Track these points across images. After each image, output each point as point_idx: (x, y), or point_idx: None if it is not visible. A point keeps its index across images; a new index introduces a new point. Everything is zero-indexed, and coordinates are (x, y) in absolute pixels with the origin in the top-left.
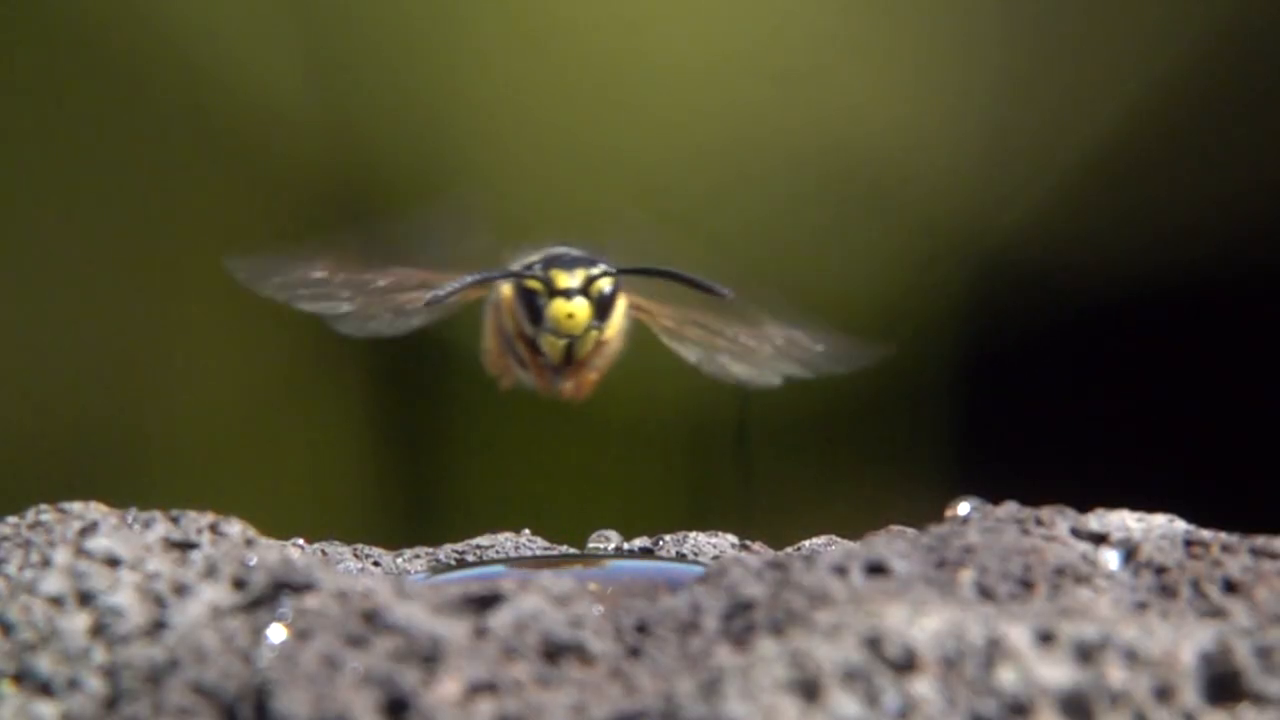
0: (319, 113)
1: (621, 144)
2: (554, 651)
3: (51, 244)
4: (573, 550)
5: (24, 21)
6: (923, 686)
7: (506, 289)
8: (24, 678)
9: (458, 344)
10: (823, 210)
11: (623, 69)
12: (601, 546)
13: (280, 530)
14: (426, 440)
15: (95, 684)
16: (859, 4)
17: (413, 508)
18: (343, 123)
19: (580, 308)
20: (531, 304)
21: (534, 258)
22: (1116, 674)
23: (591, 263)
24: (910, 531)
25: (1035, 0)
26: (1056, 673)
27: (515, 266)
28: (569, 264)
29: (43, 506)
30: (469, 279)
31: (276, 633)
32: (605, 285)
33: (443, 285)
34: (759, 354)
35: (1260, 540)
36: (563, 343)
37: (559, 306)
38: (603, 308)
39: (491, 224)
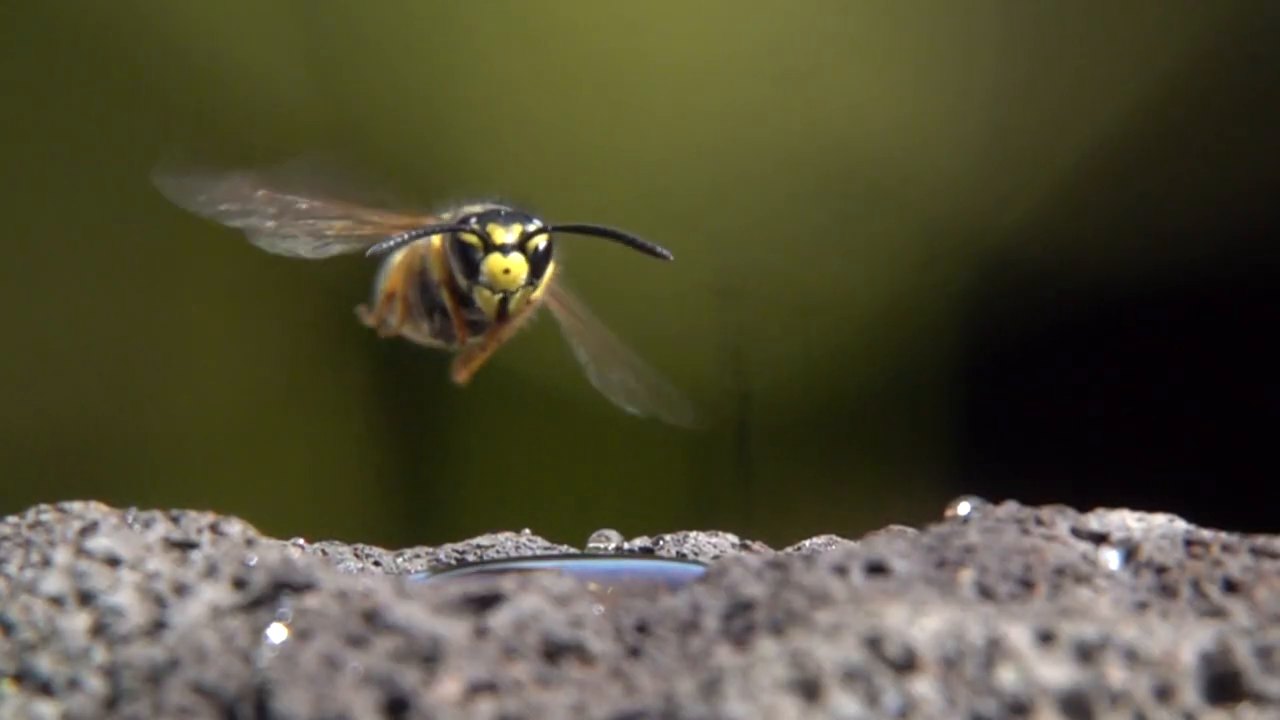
0: (320, 113)
1: (622, 144)
2: (554, 651)
3: (52, 244)
4: (573, 550)
5: (24, 21)
6: (923, 686)
7: (436, 240)
8: (24, 678)
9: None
10: (823, 210)
11: (623, 69)
12: (601, 546)
13: (280, 530)
14: (426, 440)
15: (95, 684)
16: (859, 4)
17: (413, 508)
18: (344, 123)
19: (516, 263)
20: (467, 258)
21: (468, 210)
22: (1116, 674)
23: (527, 218)
24: (910, 531)
25: (1035, 0)
26: (1056, 673)
27: (450, 219)
28: (506, 219)
29: (43, 506)
30: (410, 234)
31: (277, 633)
32: (541, 242)
33: (386, 239)
34: (630, 388)
35: (1260, 540)
36: (497, 297)
37: (496, 261)
38: (538, 264)
39: (363, 177)
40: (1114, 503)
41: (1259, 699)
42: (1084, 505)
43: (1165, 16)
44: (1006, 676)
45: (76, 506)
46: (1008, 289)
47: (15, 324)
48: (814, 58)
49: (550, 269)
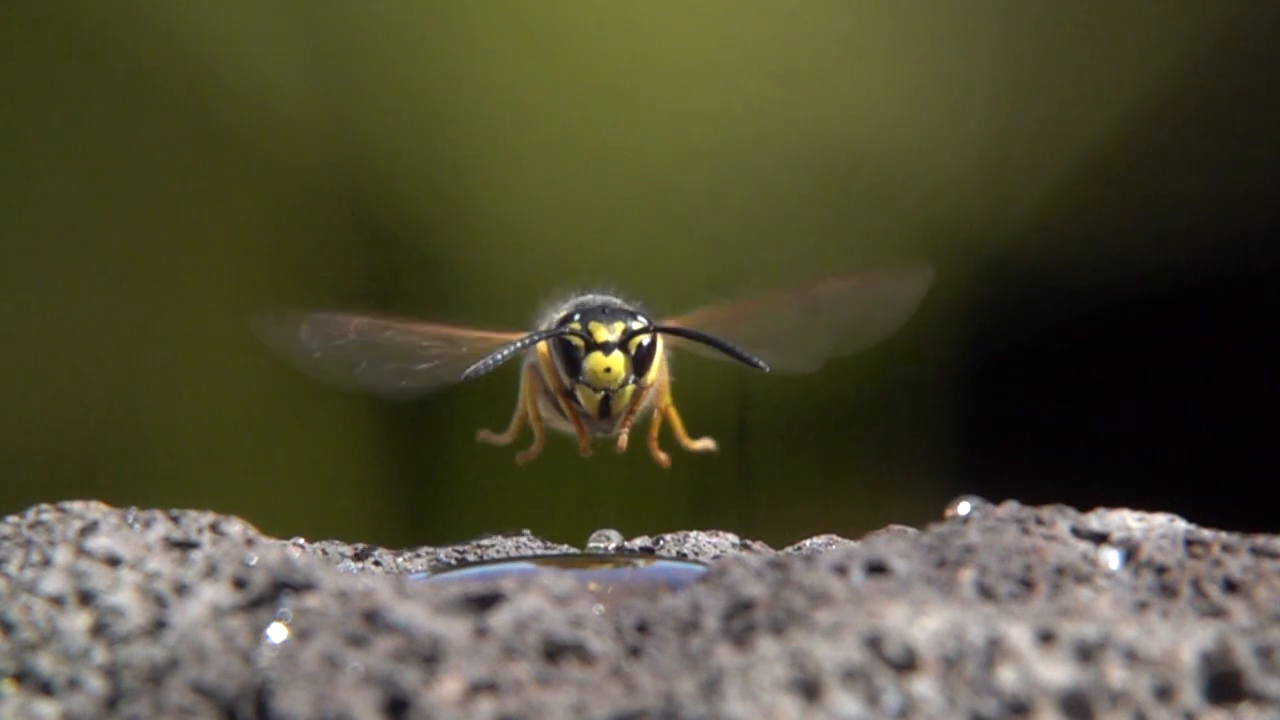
0: (322, 113)
1: (624, 143)
2: (554, 651)
3: (53, 244)
4: (573, 550)
5: (26, 22)
6: (923, 686)
7: (542, 345)
8: (24, 677)
9: None
10: (824, 209)
11: (626, 69)
12: (601, 546)
13: (280, 530)
14: (427, 440)
15: (95, 684)
16: (861, 4)
17: (413, 507)
18: (346, 123)
19: (617, 361)
20: (570, 356)
21: (566, 308)
22: (1117, 674)
23: (631, 315)
24: (910, 531)
25: (1037, 1)
26: (1057, 672)
27: (551, 322)
28: (608, 316)
29: (43, 506)
30: (511, 348)
31: (277, 632)
32: (644, 340)
33: (486, 358)
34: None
35: (1260, 540)
36: (599, 395)
37: (597, 360)
38: (640, 362)
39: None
40: (1114, 503)
41: (1259, 699)
42: (1084, 505)
43: (1166, 17)
44: (1006, 676)
45: (76, 506)
46: (1008, 289)
47: (15, 324)
48: (815, 57)
49: (659, 358)
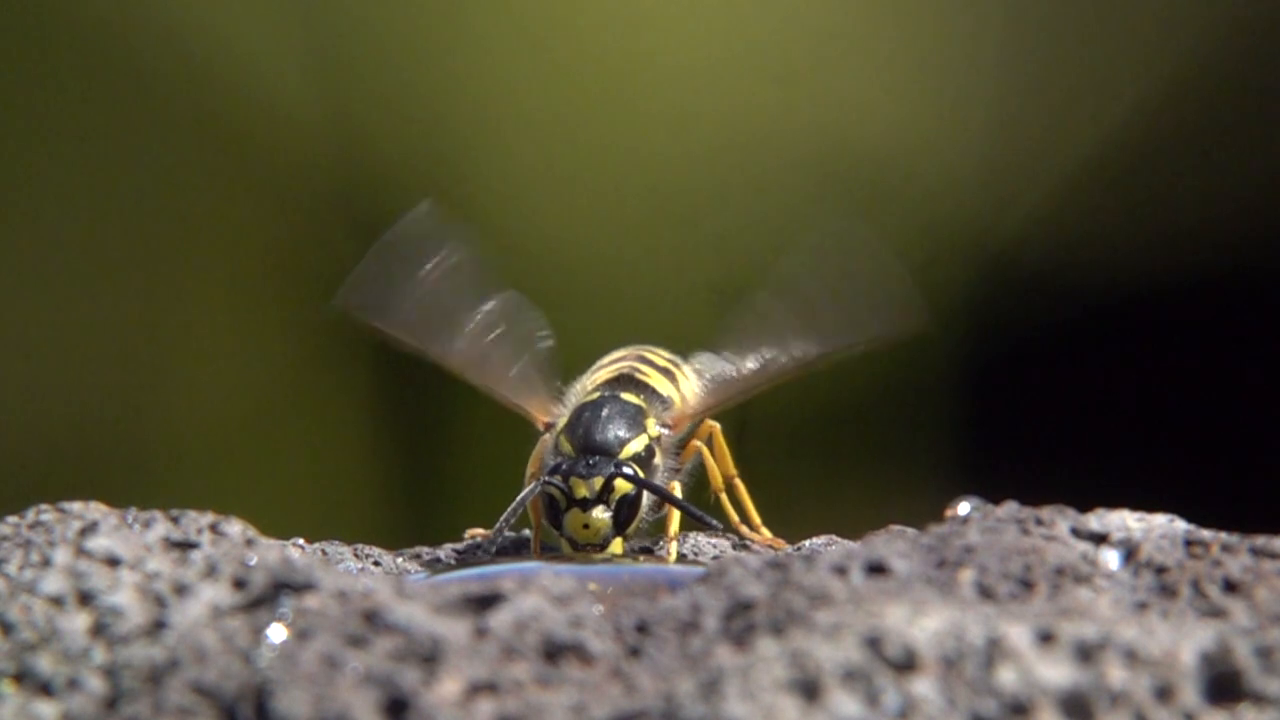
0: (323, 112)
1: (624, 144)
2: (554, 651)
3: (54, 243)
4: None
5: (28, 22)
6: (923, 686)
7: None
8: (24, 678)
9: None
10: (825, 209)
11: (626, 69)
12: None
13: (280, 530)
14: (427, 440)
15: (95, 684)
16: (862, 4)
17: (413, 508)
18: (347, 122)
19: (597, 519)
20: (551, 508)
21: (565, 451)
22: (1116, 674)
23: (619, 465)
24: (910, 531)
25: (1038, 1)
26: (1056, 673)
27: (584, 390)
28: (590, 469)
29: (43, 506)
30: (510, 514)
31: (276, 632)
32: (628, 489)
33: (497, 526)
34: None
35: (1260, 540)
36: (579, 551)
37: (575, 518)
38: (626, 509)
39: (463, 235)
40: (1114, 503)
41: (1259, 699)
42: (1084, 505)
43: (1169, 16)
44: (1006, 676)
45: (76, 506)
46: (1009, 289)
47: (16, 324)
48: (815, 58)
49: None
